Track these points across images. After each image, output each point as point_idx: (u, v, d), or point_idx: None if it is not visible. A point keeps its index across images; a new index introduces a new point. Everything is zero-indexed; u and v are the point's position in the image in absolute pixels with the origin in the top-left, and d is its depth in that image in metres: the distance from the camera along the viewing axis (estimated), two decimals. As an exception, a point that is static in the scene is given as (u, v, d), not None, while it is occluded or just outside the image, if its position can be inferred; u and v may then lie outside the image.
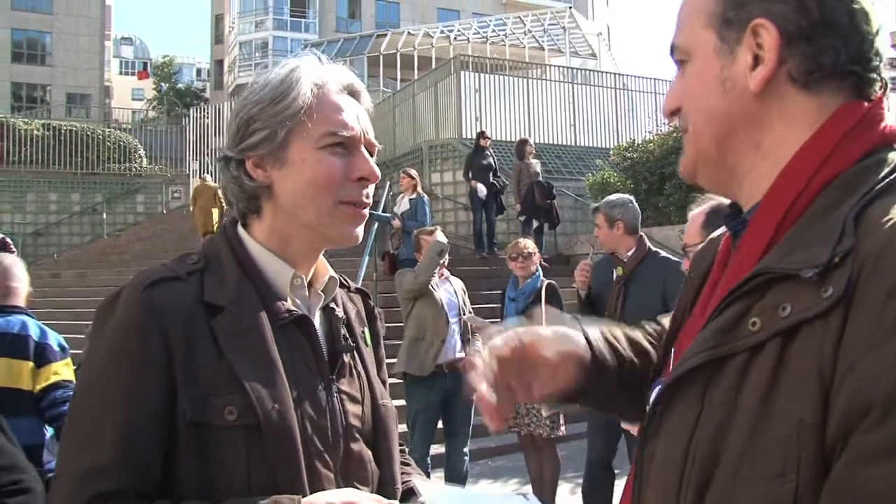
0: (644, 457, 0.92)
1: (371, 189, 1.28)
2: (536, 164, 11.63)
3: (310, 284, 1.31)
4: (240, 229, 1.29)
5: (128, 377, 1.10)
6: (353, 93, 1.30)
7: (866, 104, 0.87)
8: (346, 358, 1.30)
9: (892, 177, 0.81)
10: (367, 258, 9.61)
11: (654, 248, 4.46)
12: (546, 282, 5.59)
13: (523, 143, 11.89)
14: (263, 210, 1.26)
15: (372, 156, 1.28)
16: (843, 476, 0.70)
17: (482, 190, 11.56)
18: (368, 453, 1.28)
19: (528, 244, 5.76)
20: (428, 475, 5.35)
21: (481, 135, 12.18)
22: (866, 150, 0.85)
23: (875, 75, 0.88)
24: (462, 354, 5.38)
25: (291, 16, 42.59)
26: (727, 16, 0.91)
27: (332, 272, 1.36)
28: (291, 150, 1.22)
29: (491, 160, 11.85)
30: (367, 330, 1.42)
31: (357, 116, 1.26)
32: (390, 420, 1.34)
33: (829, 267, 0.75)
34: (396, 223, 9.57)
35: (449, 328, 5.32)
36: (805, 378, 0.74)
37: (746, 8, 0.89)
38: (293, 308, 1.24)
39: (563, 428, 5.30)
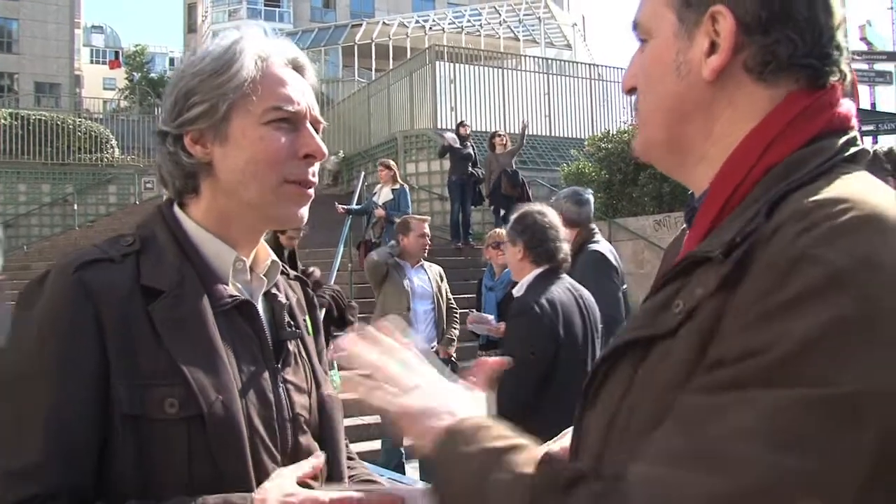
0: (581, 427, 0.93)
1: (316, 168, 1.22)
2: (508, 156, 11.60)
3: (251, 269, 1.25)
4: (176, 209, 1.21)
5: (57, 366, 1.01)
6: (297, 67, 1.24)
7: (818, 92, 0.86)
8: (291, 346, 1.25)
9: (822, 166, 0.81)
10: (341, 248, 9.57)
11: (592, 240, 4.70)
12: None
13: (493, 135, 11.94)
14: (202, 189, 1.19)
15: (318, 133, 1.22)
16: (675, 403, 0.73)
17: (452, 138, 11.67)
18: (315, 446, 1.22)
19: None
20: (403, 465, 5.35)
21: (461, 124, 12.15)
22: (809, 137, 0.84)
23: (833, 68, 0.86)
24: (434, 344, 5.39)
25: (265, 5, 42.20)
26: None
27: (273, 256, 1.29)
28: (233, 124, 1.15)
29: (471, 150, 11.85)
30: (307, 318, 1.37)
31: (302, 91, 1.20)
32: (336, 412, 1.29)
33: (731, 246, 0.76)
34: (380, 212, 9.54)
35: (418, 316, 5.33)
36: (689, 350, 0.76)
37: None
38: (235, 293, 1.18)
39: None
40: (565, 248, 3.16)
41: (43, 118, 22.72)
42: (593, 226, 4.91)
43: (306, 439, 1.20)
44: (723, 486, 0.64)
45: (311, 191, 1.21)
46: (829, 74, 0.86)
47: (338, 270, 9.11)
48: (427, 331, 5.39)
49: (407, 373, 0.95)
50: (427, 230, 5.60)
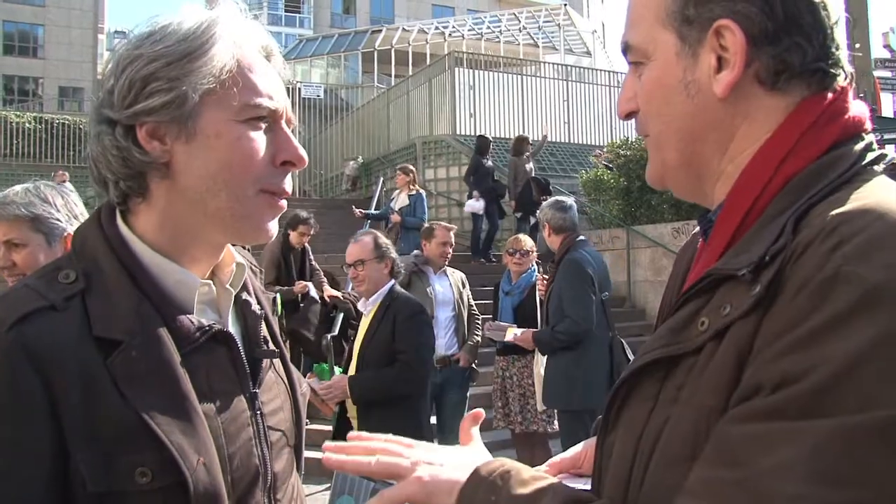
0: (604, 448, 0.93)
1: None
2: (529, 162, 11.54)
3: (214, 274, 1.11)
4: (121, 226, 1.02)
5: (0, 448, 0.85)
6: (268, 55, 1.07)
7: (829, 96, 0.85)
8: (266, 362, 1.12)
9: (843, 175, 0.80)
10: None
11: (574, 247, 4.87)
12: (541, 276, 5.61)
13: (522, 140, 11.76)
14: (153, 193, 1.00)
15: (292, 133, 1.07)
16: (714, 432, 0.73)
17: (474, 205, 11.40)
18: (292, 461, 1.14)
19: (527, 241, 5.79)
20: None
21: (487, 144, 11.89)
22: (827, 145, 0.83)
23: (839, 69, 0.85)
24: (454, 350, 5.39)
25: (286, 11, 42.54)
26: (686, 13, 0.86)
27: (238, 258, 1.12)
28: (204, 119, 0.97)
29: (491, 163, 11.77)
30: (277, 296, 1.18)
31: (278, 85, 1.04)
32: (304, 409, 1.21)
33: (760, 265, 0.75)
34: (396, 218, 9.55)
35: (440, 323, 5.32)
36: (723, 371, 0.75)
37: (708, 6, 0.84)
38: (205, 324, 1.01)
39: (556, 423, 5.31)
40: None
41: (66, 122, 23.10)
42: (580, 234, 5.06)
43: (281, 464, 1.10)
44: None
45: (284, 202, 1.06)
46: (837, 75, 0.85)
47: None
48: (448, 338, 5.38)
49: (400, 458, 0.94)
50: (451, 238, 5.62)
